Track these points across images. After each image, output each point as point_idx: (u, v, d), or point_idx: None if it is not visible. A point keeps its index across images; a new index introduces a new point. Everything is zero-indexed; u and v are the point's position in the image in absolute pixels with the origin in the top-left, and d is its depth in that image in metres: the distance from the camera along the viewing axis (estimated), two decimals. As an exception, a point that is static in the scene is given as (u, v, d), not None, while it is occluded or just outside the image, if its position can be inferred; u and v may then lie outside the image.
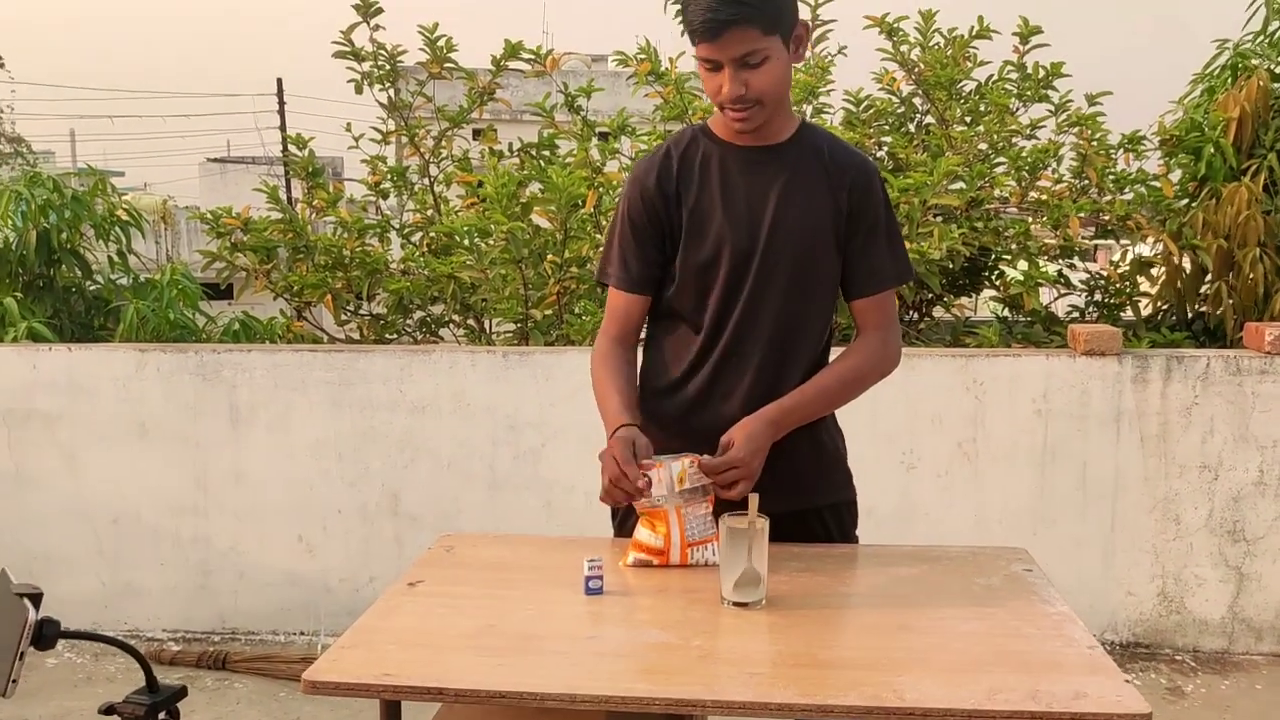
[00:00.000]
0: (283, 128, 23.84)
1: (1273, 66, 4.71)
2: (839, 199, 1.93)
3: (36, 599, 1.29)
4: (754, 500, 1.70)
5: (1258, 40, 4.83)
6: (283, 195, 4.98)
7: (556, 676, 1.48)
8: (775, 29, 1.81)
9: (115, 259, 4.85)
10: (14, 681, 1.23)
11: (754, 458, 1.82)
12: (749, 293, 1.93)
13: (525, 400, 3.78)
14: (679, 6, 1.85)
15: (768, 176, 1.94)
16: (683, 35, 1.90)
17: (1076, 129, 4.57)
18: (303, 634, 4.01)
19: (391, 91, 4.83)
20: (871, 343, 2.00)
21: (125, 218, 4.85)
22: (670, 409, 2.01)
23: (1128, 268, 4.75)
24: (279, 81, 24.56)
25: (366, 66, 4.75)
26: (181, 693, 1.55)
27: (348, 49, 4.73)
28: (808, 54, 4.82)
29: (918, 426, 3.74)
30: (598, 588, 1.74)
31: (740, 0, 1.76)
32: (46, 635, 1.29)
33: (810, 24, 1.94)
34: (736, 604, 1.67)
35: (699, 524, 1.84)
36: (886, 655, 1.53)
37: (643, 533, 1.87)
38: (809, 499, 2.01)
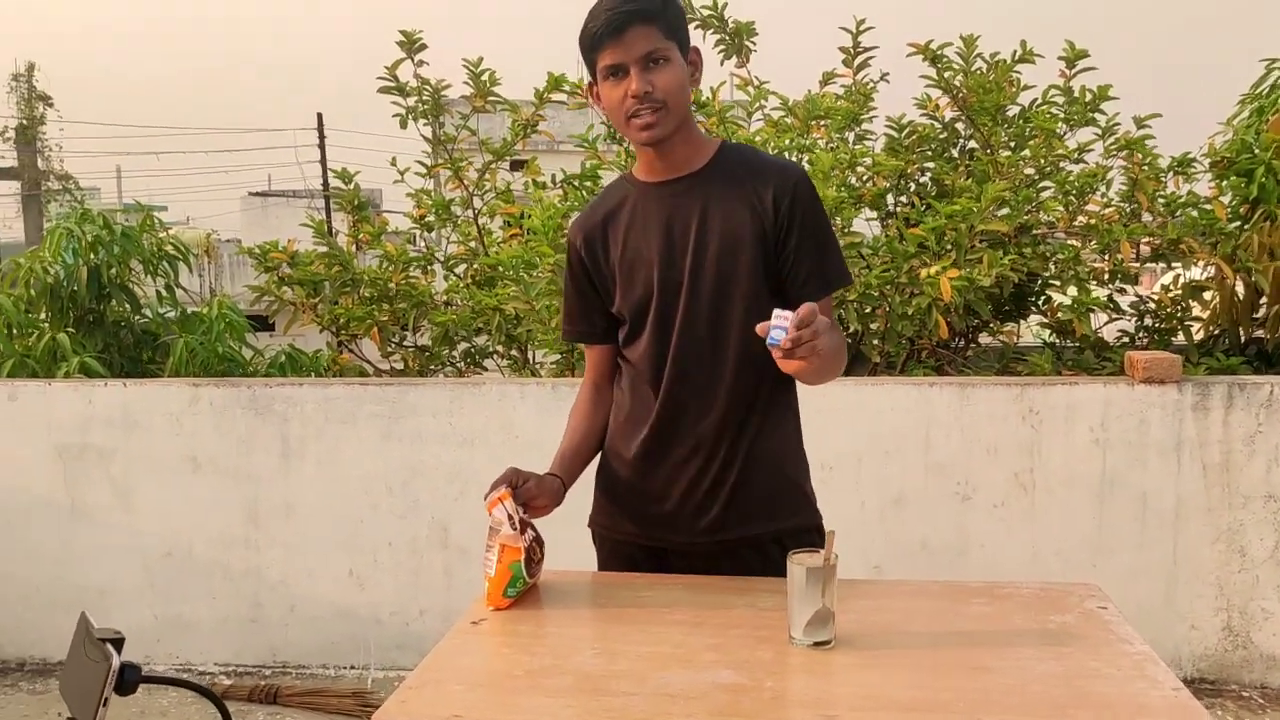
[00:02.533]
0: (323, 161, 24.16)
1: (1325, 86, 4.64)
2: (762, 211, 1.92)
3: (119, 644, 1.28)
4: (831, 537, 1.67)
5: (1308, 60, 4.77)
6: (326, 228, 5.03)
7: (627, 719, 1.46)
8: (674, 36, 1.87)
9: (163, 293, 4.91)
10: (96, 729, 1.23)
11: (822, 333, 1.68)
12: (681, 325, 1.95)
13: (574, 432, 3.77)
14: (580, 37, 1.89)
15: (687, 206, 1.95)
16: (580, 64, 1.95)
17: (1125, 152, 4.52)
18: (353, 668, 4.00)
19: (435, 125, 4.87)
20: (837, 331, 1.96)
21: (173, 252, 4.91)
22: (633, 442, 2.04)
23: (1179, 292, 4.67)
24: (319, 116, 24.91)
25: (411, 101, 4.80)
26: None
27: (392, 84, 4.78)
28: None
29: (973, 456, 3.69)
30: (777, 339, 1.63)
31: (643, 2, 1.82)
32: (128, 680, 1.28)
33: (700, 51, 1.97)
34: (808, 644, 1.64)
35: (485, 561, 1.88)
36: (963, 697, 1.49)
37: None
38: (765, 524, 1.99)
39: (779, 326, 1.64)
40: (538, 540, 1.92)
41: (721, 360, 1.96)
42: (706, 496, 1.98)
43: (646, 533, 2.06)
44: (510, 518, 1.86)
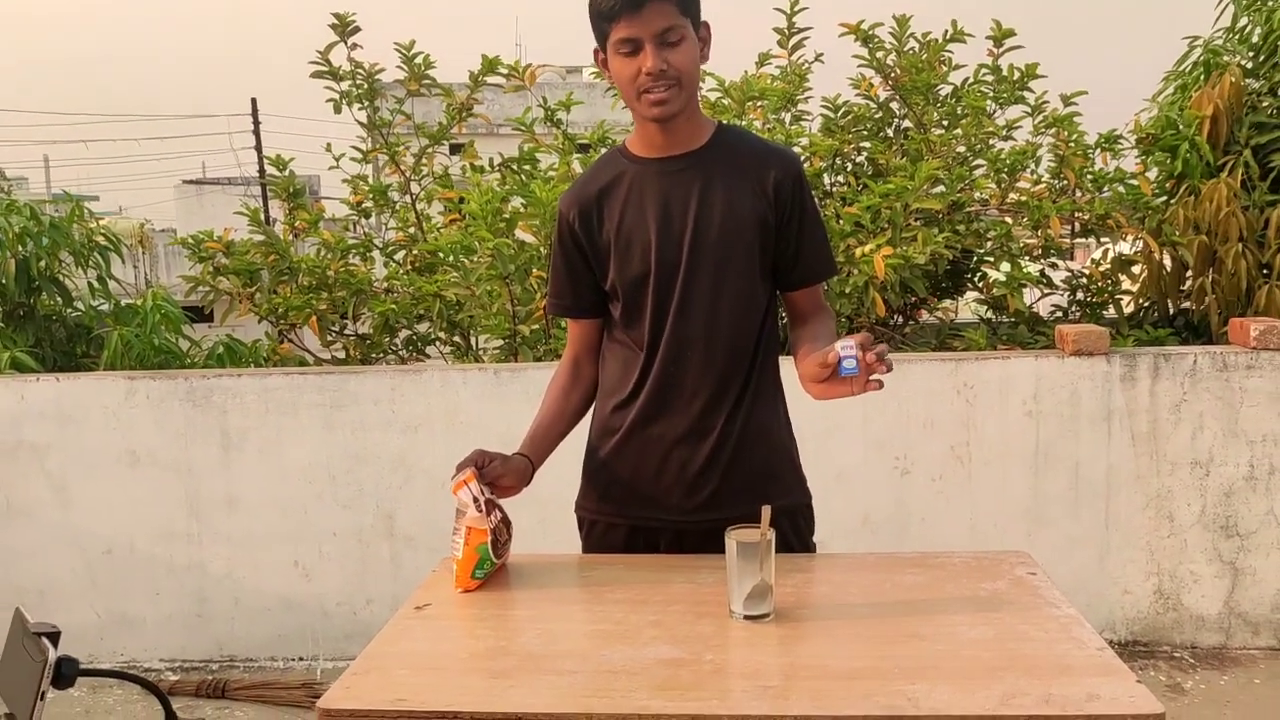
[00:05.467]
0: (258, 148, 23.77)
1: (1244, 62, 4.76)
2: (762, 194, 1.94)
3: (55, 638, 1.28)
4: (766, 513, 1.70)
5: (1228, 37, 4.89)
6: (261, 216, 4.96)
7: (570, 696, 1.48)
8: (688, 13, 1.86)
9: (95, 285, 4.83)
10: (35, 723, 1.22)
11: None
12: (678, 302, 1.95)
13: (518, 417, 3.73)
14: (590, 5, 1.87)
15: (686, 184, 1.95)
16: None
17: (1053, 130, 4.61)
18: (301, 659, 3.98)
19: (370, 110, 4.83)
20: (825, 320, 2.04)
21: (104, 243, 4.83)
22: (625, 422, 2.03)
23: (1109, 266, 4.79)
24: (253, 102, 24.49)
25: (345, 85, 4.75)
26: (198, 727, 1.54)
27: (325, 68, 4.72)
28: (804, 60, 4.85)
29: (910, 431, 3.76)
30: (852, 367, 1.67)
31: None
32: (66, 674, 1.28)
33: (710, 26, 1.97)
34: (746, 617, 1.67)
35: (452, 542, 1.89)
36: (897, 664, 1.53)
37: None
38: (761, 501, 1.94)
39: (849, 356, 1.67)
40: (505, 521, 1.91)
41: (718, 339, 1.96)
42: (701, 474, 1.99)
43: (639, 514, 2.05)
44: (475, 500, 1.85)
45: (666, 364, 1.98)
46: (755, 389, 2.01)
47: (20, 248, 4.55)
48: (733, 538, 1.68)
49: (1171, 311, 4.85)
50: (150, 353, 4.46)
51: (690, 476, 1.99)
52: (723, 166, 1.96)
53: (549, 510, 3.84)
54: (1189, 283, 4.75)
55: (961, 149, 4.66)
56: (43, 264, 4.61)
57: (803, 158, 4.63)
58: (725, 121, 2.06)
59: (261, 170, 20.53)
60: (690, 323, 1.95)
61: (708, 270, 1.94)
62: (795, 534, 2.05)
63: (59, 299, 4.76)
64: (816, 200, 2.04)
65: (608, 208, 2.00)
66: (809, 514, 2.12)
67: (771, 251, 1.97)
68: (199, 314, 5.52)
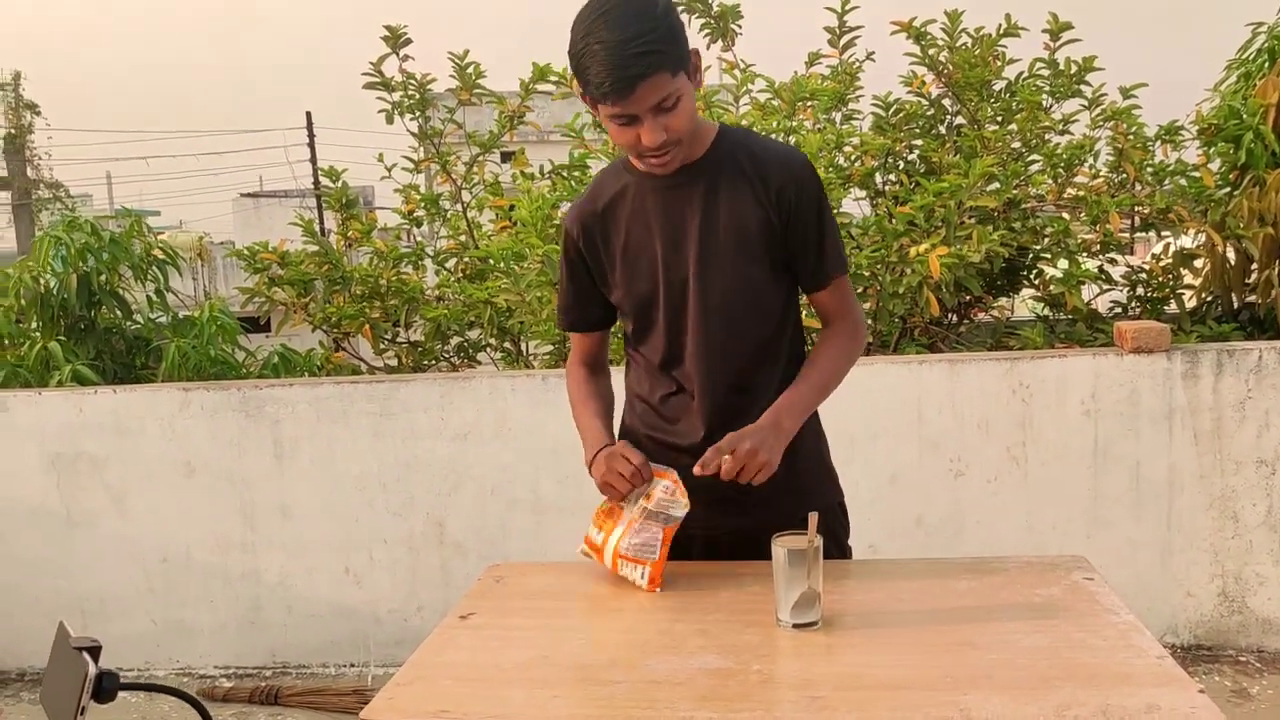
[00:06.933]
0: (313, 160, 24.12)
1: (1311, 49, 4.62)
2: (767, 199, 1.88)
3: (95, 652, 1.29)
4: (814, 519, 1.67)
5: (1295, 23, 4.74)
6: (316, 227, 5.02)
7: (615, 707, 1.46)
8: (680, 67, 1.76)
9: (154, 298, 4.91)
10: (74, 735, 1.23)
11: (762, 446, 1.80)
12: (694, 318, 1.92)
13: (566, 422, 3.74)
14: (574, 67, 1.77)
15: (688, 197, 1.90)
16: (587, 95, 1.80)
17: (1111, 123, 4.51)
18: (353, 665, 4.01)
19: (422, 120, 4.86)
20: (843, 331, 2.01)
21: (162, 257, 4.91)
22: (650, 434, 2.02)
23: (1169, 260, 4.67)
24: (308, 115, 24.88)
25: (397, 96, 4.79)
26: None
27: (378, 80, 4.76)
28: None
29: (965, 432, 3.69)
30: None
31: (647, 51, 1.69)
32: (106, 688, 1.29)
33: (700, 51, 1.88)
34: (794, 625, 1.64)
35: (641, 544, 1.85)
36: (950, 673, 1.49)
37: (591, 529, 1.93)
38: (794, 504, 1.92)
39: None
40: None
41: (739, 351, 1.93)
42: (730, 486, 1.92)
43: None
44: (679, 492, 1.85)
45: (685, 379, 1.96)
46: (781, 394, 1.95)
47: (82, 263, 4.63)
48: (780, 545, 1.65)
49: (1236, 306, 4.71)
50: (207, 363, 4.53)
51: (723, 485, 1.96)
52: (724, 175, 1.90)
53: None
54: (1254, 276, 4.62)
55: (1017, 145, 4.58)
56: (103, 278, 4.69)
57: (854, 157, 4.58)
58: (727, 124, 2.02)
59: (316, 182, 20.83)
60: (711, 339, 1.93)
61: (718, 282, 1.90)
62: (829, 534, 2.01)
63: (119, 312, 4.84)
64: (830, 199, 1.99)
65: (614, 223, 1.97)
66: (842, 513, 2.10)
67: (782, 255, 1.93)
68: (256, 324, 5.59)
